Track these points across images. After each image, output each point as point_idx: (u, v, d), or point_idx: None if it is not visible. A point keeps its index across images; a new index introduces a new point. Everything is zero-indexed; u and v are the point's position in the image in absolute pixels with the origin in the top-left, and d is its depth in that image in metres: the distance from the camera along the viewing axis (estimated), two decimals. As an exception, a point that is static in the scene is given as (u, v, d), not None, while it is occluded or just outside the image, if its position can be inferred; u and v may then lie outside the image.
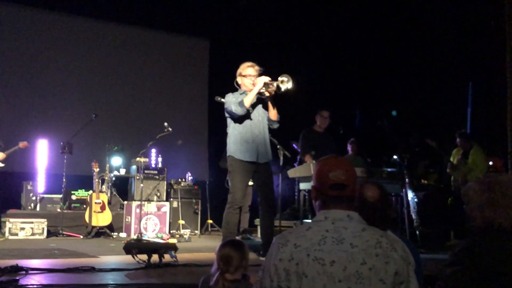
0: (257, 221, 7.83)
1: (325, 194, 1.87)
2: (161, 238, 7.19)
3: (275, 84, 5.01)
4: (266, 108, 5.26)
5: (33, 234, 7.03)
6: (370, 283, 1.70)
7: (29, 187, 8.02)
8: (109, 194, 8.05)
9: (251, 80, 5.17)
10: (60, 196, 7.85)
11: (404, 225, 6.43)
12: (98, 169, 7.59)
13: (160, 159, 8.69)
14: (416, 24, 9.24)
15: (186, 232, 7.91)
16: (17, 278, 3.60)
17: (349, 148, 7.97)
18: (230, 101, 5.10)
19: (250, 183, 5.78)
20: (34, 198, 7.94)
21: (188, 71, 10.42)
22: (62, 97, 9.01)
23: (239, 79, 5.28)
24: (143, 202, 7.54)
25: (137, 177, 7.87)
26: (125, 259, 4.64)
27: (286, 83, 4.96)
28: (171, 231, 7.95)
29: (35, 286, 3.46)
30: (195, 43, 10.59)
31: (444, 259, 2.20)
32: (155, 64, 10.05)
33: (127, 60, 9.81)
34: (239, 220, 5.78)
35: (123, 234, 7.64)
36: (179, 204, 8.31)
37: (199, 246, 6.70)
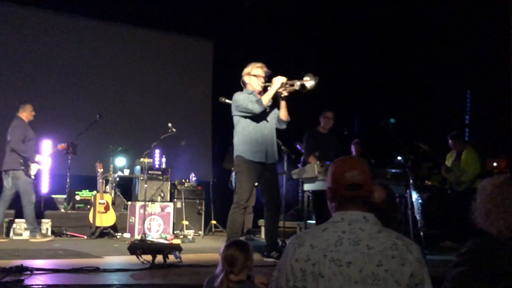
0: (261, 222, 7.83)
1: (341, 195, 1.88)
2: (165, 238, 7.20)
3: (298, 83, 4.99)
4: (278, 108, 5.25)
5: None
6: (386, 284, 1.72)
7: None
8: (113, 195, 8.06)
9: (259, 80, 5.16)
10: (64, 196, 7.87)
11: (408, 226, 6.42)
12: (102, 170, 7.60)
13: (164, 159, 8.70)
14: (416, 31, 9.26)
15: (190, 233, 7.91)
16: (22, 278, 3.61)
17: (352, 149, 7.95)
18: (244, 100, 5.06)
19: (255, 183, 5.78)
20: (38, 198, 7.95)
21: (192, 71, 10.43)
22: (66, 98, 9.03)
23: (246, 79, 5.25)
24: (147, 203, 7.55)
25: (141, 178, 7.88)
26: (129, 259, 4.64)
27: (309, 82, 4.95)
28: (175, 232, 7.95)
29: (40, 286, 3.47)
30: (199, 43, 10.60)
31: (449, 260, 2.19)
32: (159, 64, 10.06)
33: (131, 60, 9.83)
34: (243, 220, 5.77)
35: (127, 235, 7.65)
36: (183, 204, 8.32)
37: (203, 246, 6.70)
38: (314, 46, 10.18)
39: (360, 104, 10.53)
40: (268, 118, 5.21)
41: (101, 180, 7.58)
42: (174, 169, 8.66)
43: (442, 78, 9.17)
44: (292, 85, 5.03)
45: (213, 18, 10.00)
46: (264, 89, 5.17)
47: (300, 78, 5.02)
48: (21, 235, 7.00)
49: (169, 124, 7.35)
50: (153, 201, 7.93)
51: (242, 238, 5.95)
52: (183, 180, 8.58)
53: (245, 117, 5.11)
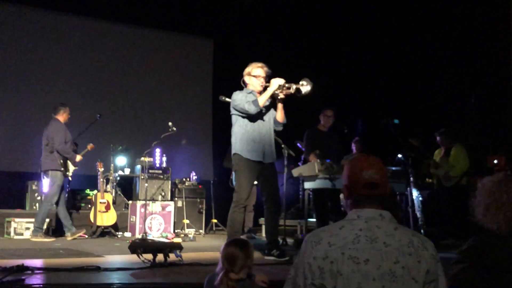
0: (261, 220, 7.82)
1: (358, 193, 1.90)
2: (166, 237, 7.21)
3: (294, 87, 5.00)
4: (275, 109, 5.25)
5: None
6: (403, 281, 1.73)
7: (34, 187, 8.05)
8: (113, 194, 8.07)
9: (259, 81, 5.16)
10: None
11: (409, 224, 6.42)
12: (102, 169, 7.61)
13: (164, 158, 8.70)
14: (419, 33, 9.25)
15: (191, 232, 7.92)
16: (23, 277, 3.60)
17: (353, 147, 7.95)
18: (241, 100, 5.07)
19: (255, 182, 5.78)
20: (39, 198, 7.96)
21: (192, 70, 10.43)
22: (66, 97, 8.96)
23: (247, 78, 5.25)
24: (147, 202, 7.55)
25: (142, 177, 7.88)
26: (130, 258, 4.64)
27: (305, 87, 4.96)
28: (176, 231, 7.95)
29: (41, 285, 3.46)
30: (199, 42, 10.60)
31: (450, 257, 2.20)
32: (159, 64, 10.06)
33: (131, 60, 9.83)
34: (244, 219, 5.77)
35: (127, 234, 7.65)
36: (184, 203, 8.32)
37: (204, 245, 6.70)
38: (315, 45, 10.16)
39: (364, 104, 10.51)
40: (266, 118, 5.21)
41: (101, 179, 7.59)
42: (174, 168, 8.67)
43: (445, 78, 9.17)
44: (289, 88, 5.04)
45: (213, 17, 10.00)
46: (265, 89, 5.17)
47: (298, 80, 5.03)
48: (22, 234, 7.00)
49: (170, 123, 7.35)
50: (154, 200, 7.93)
51: (243, 237, 5.95)
52: (184, 179, 8.58)
53: (243, 116, 5.12)
